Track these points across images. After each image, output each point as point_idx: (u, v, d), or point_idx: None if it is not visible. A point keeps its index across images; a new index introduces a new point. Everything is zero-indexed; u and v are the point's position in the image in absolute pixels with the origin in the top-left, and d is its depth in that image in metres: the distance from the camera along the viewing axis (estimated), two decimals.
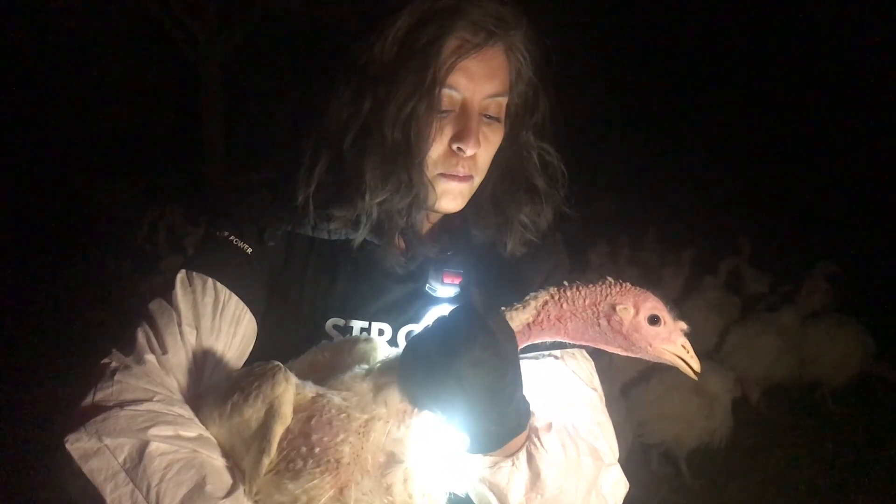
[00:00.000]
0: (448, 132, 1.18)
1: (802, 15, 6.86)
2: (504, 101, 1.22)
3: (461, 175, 1.20)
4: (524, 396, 1.02)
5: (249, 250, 1.23)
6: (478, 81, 1.16)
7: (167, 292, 1.18)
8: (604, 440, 1.17)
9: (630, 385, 4.05)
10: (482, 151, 1.21)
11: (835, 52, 6.98)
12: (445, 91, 1.15)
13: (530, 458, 1.06)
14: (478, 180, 1.25)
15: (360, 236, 1.24)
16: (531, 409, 1.05)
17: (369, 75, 1.16)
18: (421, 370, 0.96)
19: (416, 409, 0.99)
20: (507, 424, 0.99)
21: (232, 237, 1.24)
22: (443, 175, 1.20)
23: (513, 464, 1.05)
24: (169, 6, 7.55)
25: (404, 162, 1.16)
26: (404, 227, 1.24)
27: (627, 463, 1.38)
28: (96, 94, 8.73)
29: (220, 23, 7.90)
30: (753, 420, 4.74)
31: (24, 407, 4.22)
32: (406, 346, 1.00)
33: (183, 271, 1.20)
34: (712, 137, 8.45)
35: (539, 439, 1.05)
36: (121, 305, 5.23)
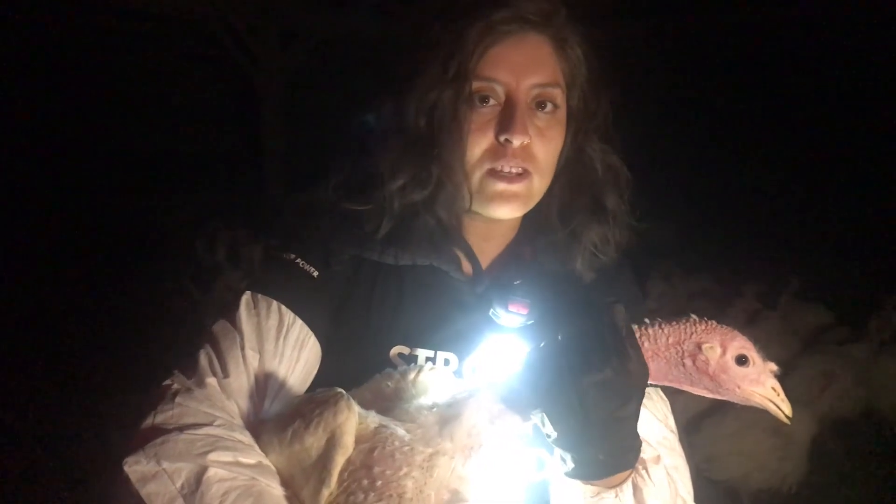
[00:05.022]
0: (493, 125, 1.15)
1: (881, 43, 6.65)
2: (556, 93, 1.17)
3: (512, 174, 1.16)
4: (637, 435, 0.96)
5: (316, 273, 1.21)
6: (519, 71, 1.13)
7: (231, 313, 1.16)
8: (682, 484, 1.10)
9: (702, 416, 3.89)
10: (539, 146, 1.16)
11: None
12: (484, 84, 1.13)
13: (636, 490, 1.00)
14: (538, 181, 1.19)
15: (424, 259, 1.21)
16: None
17: (399, 73, 1.17)
18: (545, 379, 0.91)
19: (522, 414, 0.95)
20: (615, 458, 0.94)
21: (298, 260, 1.21)
22: (492, 174, 1.16)
23: (616, 495, 0.98)
24: (231, 26, 7.73)
25: (423, 151, 1.15)
26: (435, 228, 1.20)
27: None
28: (159, 112, 8.99)
29: (282, 43, 8.06)
30: (821, 458, 4.54)
31: (82, 422, 4.27)
32: (534, 349, 0.95)
33: (248, 293, 1.18)
34: (775, 165, 8.24)
35: (647, 472, 1.00)
36: (181, 321, 5.29)
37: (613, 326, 0.90)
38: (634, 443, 0.96)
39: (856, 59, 7.10)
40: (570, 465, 0.94)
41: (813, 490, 4.25)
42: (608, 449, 0.92)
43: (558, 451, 0.94)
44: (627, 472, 0.98)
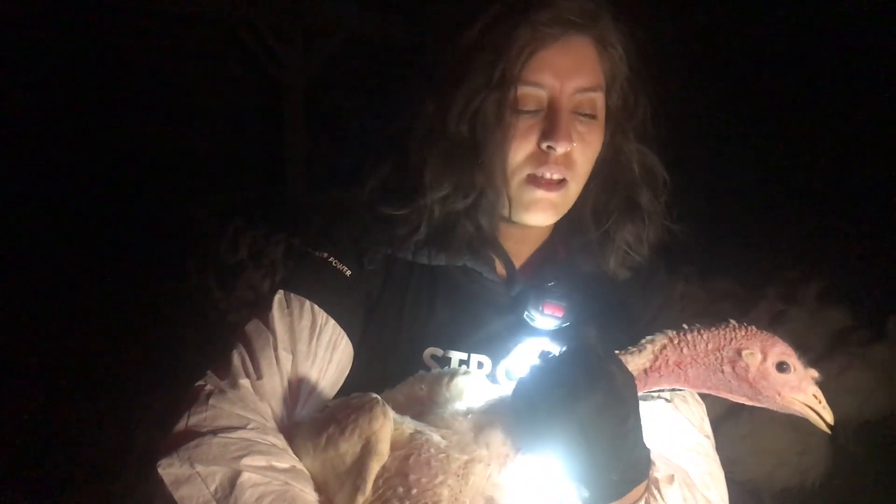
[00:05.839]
0: (536, 131, 1.12)
1: None
2: (598, 97, 1.15)
3: (552, 181, 1.14)
4: (644, 444, 0.95)
5: (348, 273, 1.19)
6: (564, 75, 1.11)
7: (264, 313, 1.15)
8: (716, 491, 1.09)
9: (720, 419, 3.86)
10: (579, 152, 1.14)
11: None
12: (528, 89, 1.10)
13: None
14: (574, 187, 1.18)
15: (458, 260, 1.20)
16: (651, 457, 0.97)
17: (440, 77, 1.15)
18: (539, 414, 0.89)
19: (523, 454, 0.93)
20: (628, 474, 0.92)
21: (331, 258, 1.20)
22: (532, 181, 1.14)
23: None
24: (254, 26, 7.77)
25: (466, 158, 1.13)
26: (473, 234, 1.19)
27: None
28: (180, 111, 9.00)
29: (305, 43, 8.08)
30: (844, 459, 4.48)
31: (105, 420, 4.30)
32: (517, 387, 0.94)
33: (281, 292, 1.17)
34: (797, 165, 8.14)
35: (660, 491, 0.97)
36: (204, 320, 5.31)
37: (588, 349, 0.89)
38: (643, 452, 0.94)
39: (888, 60, 6.99)
40: (586, 492, 0.92)
41: (835, 492, 4.20)
42: (620, 467, 0.91)
43: (573, 483, 0.93)
44: (643, 487, 0.96)
